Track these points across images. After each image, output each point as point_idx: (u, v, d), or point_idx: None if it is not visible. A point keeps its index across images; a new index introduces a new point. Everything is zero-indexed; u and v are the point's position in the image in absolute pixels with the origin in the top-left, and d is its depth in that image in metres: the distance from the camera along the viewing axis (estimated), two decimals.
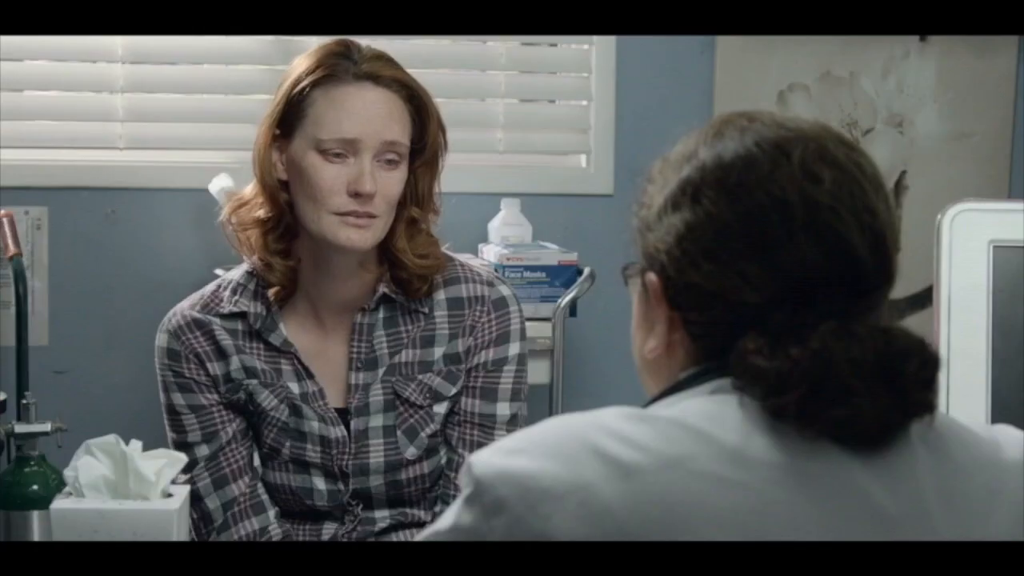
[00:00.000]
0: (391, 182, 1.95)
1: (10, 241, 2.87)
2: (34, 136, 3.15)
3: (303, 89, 1.94)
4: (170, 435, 2.06)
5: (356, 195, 1.92)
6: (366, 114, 1.94)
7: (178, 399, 2.03)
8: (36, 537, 1.83)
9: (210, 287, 2.07)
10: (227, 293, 2.03)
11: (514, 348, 2.06)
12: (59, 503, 1.63)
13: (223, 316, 2.02)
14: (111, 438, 1.65)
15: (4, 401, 2.60)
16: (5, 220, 2.89)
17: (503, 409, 2.05)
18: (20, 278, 2.83)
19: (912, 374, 1.08)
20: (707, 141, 1.16)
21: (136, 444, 1.66)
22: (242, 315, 2.02)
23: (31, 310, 3.00)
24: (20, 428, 1.90)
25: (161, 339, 2.04)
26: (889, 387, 1.07)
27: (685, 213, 1.14)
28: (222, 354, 2.02)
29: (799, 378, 1.06)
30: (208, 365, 2.02)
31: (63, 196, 3.12)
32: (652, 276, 1.16)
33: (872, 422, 1.07)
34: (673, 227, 1.14)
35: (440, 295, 2.04)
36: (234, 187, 2.86)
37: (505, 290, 2.07)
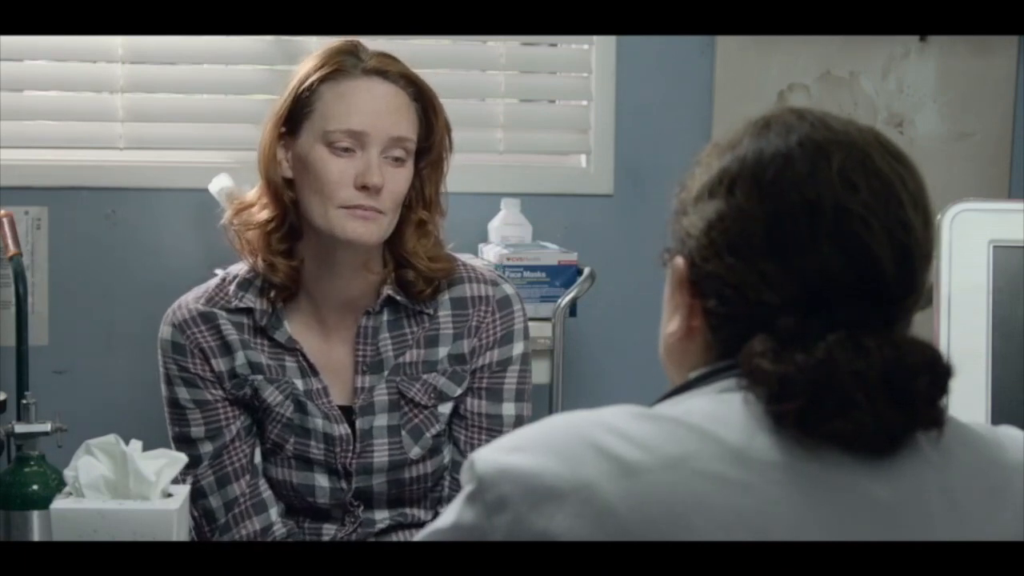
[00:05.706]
0: (398, 179, 1.95)
1: (10, 241, 2.87)
2: (34, 136, 3.15)
3: (311, 85, 1.94)
4: (171, 429, 2.04)
5: (363, 188, 1.92)
6: (374, 107, 1.94)
7: (183, 394, 2.02)
8: (36, 537, 1.83)
9: (215, 280, 2.06)
10: (232, 287, 2.03)
11: (518, 348, 2.06)
12: (59, 503, 1.63)
13: (229, 310, 2.02)
14: (111, 438, 1.65)
15: (4, 401, 2.60)
16: (5, 220, 2.89)
17: (508, 410, 2.05)
18: (20, 278, 2.83)
19: (921, 391, 1.07)
20: (754, 132, 1.15)
21: (136, 444, 1.66)
22: (248, 310, 2.02)
23: (31, 310, 3.00)
24: (20, 428, 1.90)
25: (165, 332, 2.03)
26: (896, 402, 1.06)
27: (718, 202, 1.13)
28: (228, 349, 2.01)
29: (801, 386, 1.06)
30: (213, 361, 2.01)
31: (63, 196, 3.12)
32: (679, 259, 1.16)
33: (875, 434, 1.06)
34: (705, 214, 1.14)
35: (444, 295, 2.03)
36: (234, 187, 2.85)
37: (509, 289, 2.07)
